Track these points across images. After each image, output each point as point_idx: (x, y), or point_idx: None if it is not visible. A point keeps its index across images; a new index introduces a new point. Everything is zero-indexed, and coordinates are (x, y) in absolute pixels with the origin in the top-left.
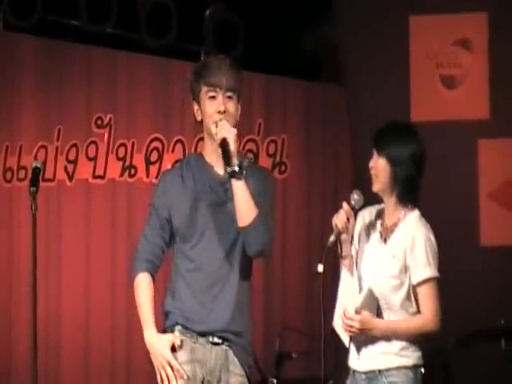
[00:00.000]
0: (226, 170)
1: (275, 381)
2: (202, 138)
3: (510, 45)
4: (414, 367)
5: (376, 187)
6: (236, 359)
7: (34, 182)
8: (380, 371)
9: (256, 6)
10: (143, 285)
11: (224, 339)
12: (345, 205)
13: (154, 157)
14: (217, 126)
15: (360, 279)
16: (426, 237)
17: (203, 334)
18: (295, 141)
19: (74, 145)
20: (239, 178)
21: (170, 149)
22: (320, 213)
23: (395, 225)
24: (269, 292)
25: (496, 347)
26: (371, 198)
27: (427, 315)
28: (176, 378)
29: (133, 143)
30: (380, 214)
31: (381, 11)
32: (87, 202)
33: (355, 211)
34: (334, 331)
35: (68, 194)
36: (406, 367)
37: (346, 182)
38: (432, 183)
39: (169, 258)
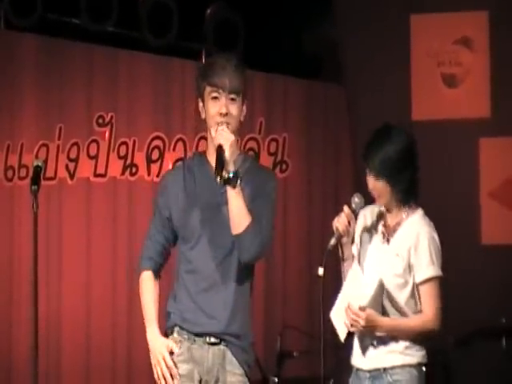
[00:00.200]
0: (215, 176)
1: (276, 379)
2: (203, 137)
3: (510, 43)
4: (419, 365)
5: (381, 203)
6: (234, 359)
7: (35, 181)
8: (385, 369)
9: (257, 4)
10: (147, 283)
11: (222, 339)
12: (346, 208)
13: (155, 155)
14: (216, 130)
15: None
16: (429, 235)
17: (200, 335)
18: (296, 139)
19: (75, 143)
20: (233, 186)
21: (171, 147)
22: (321, 211)
23: (398, 224)
24: (269, 290)
25: (497, 346)
26: (372, 197)
27: (428, 314)
28: (172, 376)
29: (134, 142)
30: (382, 215)
31: (381, 10)
32: (88, 200)
33: (356, 214)
34: (329, 321)
35: (69, 192)
36: (410, 365)
37: (346, 181)
38: (432, 182)
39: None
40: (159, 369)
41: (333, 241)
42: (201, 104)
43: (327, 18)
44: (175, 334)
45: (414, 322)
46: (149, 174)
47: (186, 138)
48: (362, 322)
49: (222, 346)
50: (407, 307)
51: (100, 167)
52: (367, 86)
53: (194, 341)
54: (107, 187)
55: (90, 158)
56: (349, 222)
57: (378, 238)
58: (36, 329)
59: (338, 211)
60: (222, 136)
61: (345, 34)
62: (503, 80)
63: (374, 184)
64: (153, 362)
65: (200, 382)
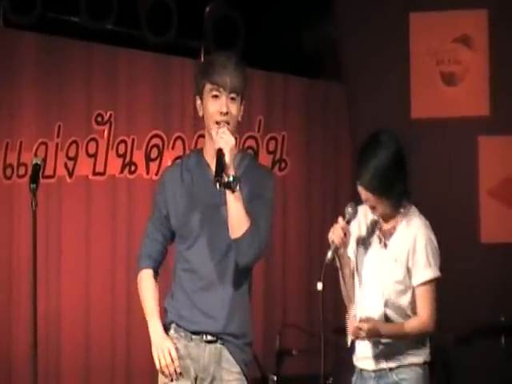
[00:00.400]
0: (214, 180)
1: (275, 378)
2: (202, 135)
3: (510, 42)
4: (424, 364)
5: (377, 213)
6: (231, 357)
7: (34, 179)
8: (391, 369)
9: (256, 2)
10: (147, 281)
11: (219, 338)
12: (340, 220)
13: (154, 153)
14: (217, 133)
15: (362, 285)
16: (426, 237)
17: (197, 333)
18: (295, 138)
19: (74, 141)
20: (233, 190)
21: (170, 145)
22: (320, 209)
23: (394, 228)
24: (269, 289)
25: (496, 344)
26: None
27: (422, 316)
28: (175, 370)
29: (133, 140)
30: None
31: (381, 8)
32: (87, 198)
33: (350, 224)
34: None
35: (68, 190)
36: (416, 364)
37: (346, 179)
38: (432, 180)
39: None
40: (163, 360)
41: (330, 255)
42: (199, 101)
43: (327, 16)
44: (172, 331)
45: (411, 324)
46: (148, 173)
47: (185, 136)
48: (364, 334)
49: (218, 345)
50: (410, 311)
51: (99, 165)
52: (367, 84)
53: (191, 339)
54: (106, 185)
55: (89, 156)
56: (344, 234)
57: (375, 242)
58: (35, 327)
59: (337, 210)
60: (223, 139)
61: (344, 33)
62: (502, 78)
63: (367, 196)
64: (155, 353)
65: (196, 379)
